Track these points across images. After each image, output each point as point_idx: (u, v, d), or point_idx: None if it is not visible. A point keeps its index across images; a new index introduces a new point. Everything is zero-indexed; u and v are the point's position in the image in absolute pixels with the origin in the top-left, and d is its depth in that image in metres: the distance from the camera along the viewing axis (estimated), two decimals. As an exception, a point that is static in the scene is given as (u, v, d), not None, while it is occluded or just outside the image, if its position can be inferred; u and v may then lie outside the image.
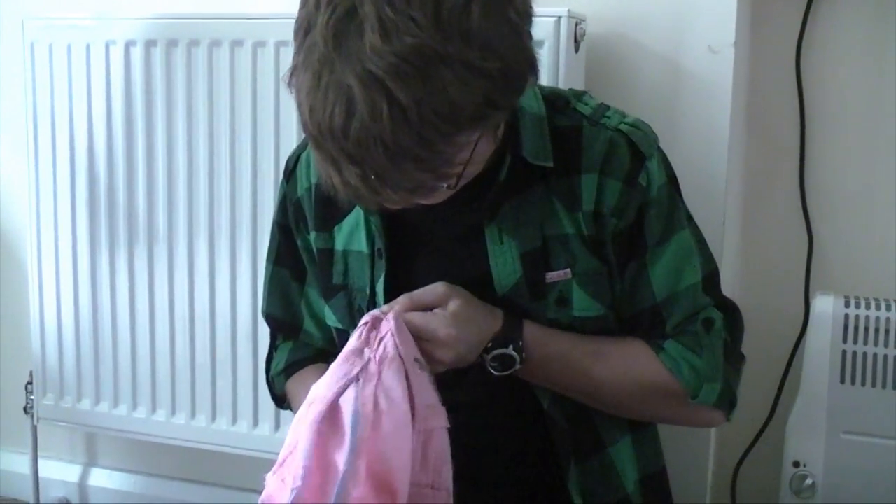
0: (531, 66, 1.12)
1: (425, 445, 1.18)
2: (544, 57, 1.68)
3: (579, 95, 1.35)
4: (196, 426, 2.09)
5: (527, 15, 1.12)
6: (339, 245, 1.38)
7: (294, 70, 1.06)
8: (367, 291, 1.34)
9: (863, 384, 1.72)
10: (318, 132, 1.03)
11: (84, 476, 2.48)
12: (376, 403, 1.14)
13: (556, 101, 1.32)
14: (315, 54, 1.02)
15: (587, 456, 1.36)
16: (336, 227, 1.38)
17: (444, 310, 1.22)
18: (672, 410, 1.36)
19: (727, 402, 1.35)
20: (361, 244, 1.35)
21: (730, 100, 1.76)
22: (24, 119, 2.14)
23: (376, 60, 0.99)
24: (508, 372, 1.26)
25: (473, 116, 1.04)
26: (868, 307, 1.73)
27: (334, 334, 1.43)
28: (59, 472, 2.48)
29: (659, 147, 1.33)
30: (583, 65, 1.76)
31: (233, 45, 1.92)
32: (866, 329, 1.72)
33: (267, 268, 1.51)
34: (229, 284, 2.01)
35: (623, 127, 1.29)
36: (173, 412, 2.11)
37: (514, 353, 1.26)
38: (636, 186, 1.27)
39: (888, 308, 1.72)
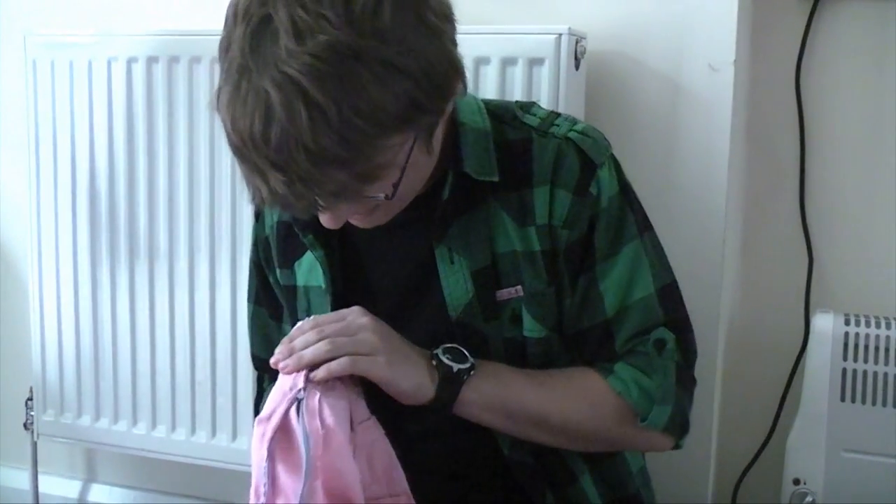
0: (457, 71, 1.11)
1: (370, 459, 1.17)
2: (545, 74, 1.69)
3: (527, 107, 1.33)
4: (196, 442, 2.09)
5: (445, 17, 1.10)
6: (300, 281, 1.37)
7: (219, 90, 1.06)
8: None
9: (863, 402, 1.72)
10: (240, 142, 1.03)
11: (84, 492, 2.47)
12: (322, 419, 1.12)
13: (504, 114, 1.30)
14: (234, 67, 1.03)
15: (562, 486, 1.34)
16: (296, 264, 1.37)
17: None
18: (622, 433, 1.31)
19: (678, 427, 1.31)
20: (319, 279, 1.34)
21: (730, 118, 1.77)
22: (25, 135, 2.14)
23: (291, 62, 0.99)
24: (464, 370, 1.21)
25: (398, 117, 1.04)
26: (868, 325, 1.73)
27: None
28: (58, 487, 2.48)
29: (611, 154, 1.30)
30: (583, 82, 1.76)
31: (234, 62, 1.92)
32: (866, 347, 1.72)
33: (248, 308, 1.51)
34: (230, 300, 2.01)
35: (572, 135, 1.27)
36: (173, 428, 2.11)
37: (463, 350, 1.22)
38: (587, 196, 1.25)
39: (888, 326, 1.72)
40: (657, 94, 1.81)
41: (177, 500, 2.37)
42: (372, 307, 1.23)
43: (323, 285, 1.33)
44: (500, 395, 1.24)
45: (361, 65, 1.00)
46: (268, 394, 1.47)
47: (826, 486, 1.75)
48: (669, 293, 1.32)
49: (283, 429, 1.13)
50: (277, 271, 1.40)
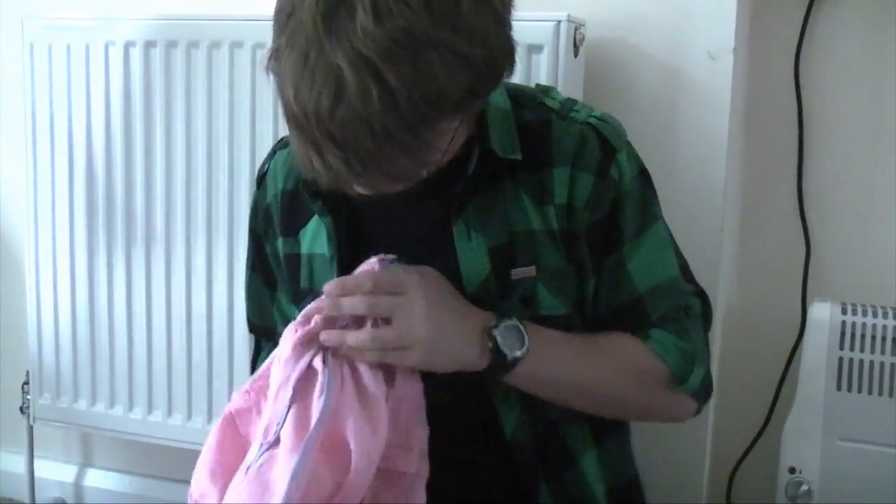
0: (511, 56, 1.13)
1: (396, 410, 1.19)
2: (543, 61, 1.68)
3: (546, 91, 1.35)
4: (192, 427, 2.09)
5: (510, 4, 1.13)
6: (304, 249, 1.38)
7: (275, 53, 1.06)
8: None
9: (859, 391, 1.72)
10: (302, 114, 1.03)
11: (80, 476, 2.48)
12: (351, 368, 1.17)
13: (521, 96, 1.32)
14: (301, 35, 1.02)
15: (558, 473, 1.35)
16: (301, 232, 1.38)
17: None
18: (659, 399, 1.33)
19: (703, 390, 1.35)
20: (323, 247, 1.34)
21: (728, 106, 1.77)
22: (22, 119, 2.14)
23: (368, 42, 0.99)
24: (518, 359, 1.22)
25: (457, 103, 1.06)
26: (865, 314, 1.73)
27: None
28: (54, 472, 2.48)
29: (627, 140, 1.32)
30: (582, 69, 1.76)
31: (232, 47, 1.92)
32: (863, 336, 1.72)
33: (246, 273, 1.53)
34: (227, 285, 2.01)
35: (592, 120, 1.29)
36: (169, 413, 2.11)
37: (522, 329, 1.22)
38: (608, 179, 1.27)
39: (885, 315, 1.72)
40: (656, 81, 1.81)
41: (172, 485, 2.37)
42: None
43: (328, 253, 1.33)
44: (550, 373, 1.26)
45: (435, 53, 1.01)
46: (265, 353, 1.50)
47: (822, 475, 1.75)
48: (688, 271, 1.38)
49: (307, 375, 1.16)
50: (279, 240, 1.41)
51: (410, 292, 1.20)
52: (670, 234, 1.36)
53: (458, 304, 1.24)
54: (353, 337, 1.18)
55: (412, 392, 1.21)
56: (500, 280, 1.27)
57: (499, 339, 1.21)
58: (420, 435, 1.21)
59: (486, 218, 1.27)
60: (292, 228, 1.39)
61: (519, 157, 1.26)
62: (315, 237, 1.36)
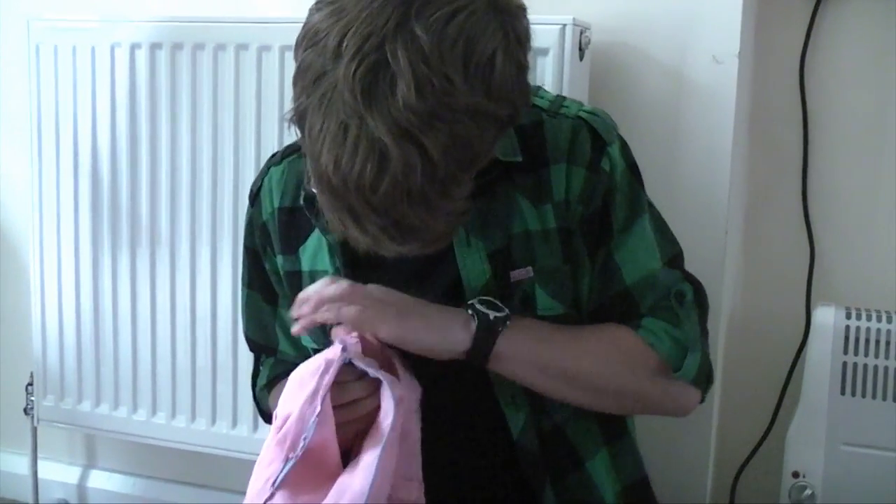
0: (528, 98, 1.16)
1: (401, 441, 1.20)
2: (549, 64, 1.69)
3: (533, 91, 1.33)
4: (196, 429, 2.09)
5: (529, 47, 1.14)
6: (305, 266, 1.37)
7: (304, 114, 1.05)
8: None
9: (863, 396, 1.72)
10: (341, 185, 1.02)
11: (83, 478, 2.48)
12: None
13: None
14: (338, 104, 1.01)
15: (563, 476, 1.35)
16: (301, 249, 1.38)
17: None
18: (654, 387, 1.32)
19: (704, 376, 1.33)
20: (325, 264, 1.34)
21: (733, 110, 1.77)
22: (28, 120, 2.14)
23: (410, 117, 0.99)
24: (501, 318, 1.23)
25: (484, 158, 1.09)
26: (869, 319, 1.73)
27: (311, 354, 1.41)
28: (58, 473, 2.48)
29: (619, 134, 1.33)
30: (587, 73, 1.76)
31: (238, 49, 1.92)
32: (867, 340, 1.72)
33: (242, 291, 1.51)
34: (231, 287, 2.01)
35: (582, 114, 1.29)
36: (173, 415, 2.11)
37: (500, 307, 1.24)
38: (599, 172, 1.27)
39: (889, 320, 1.72)
40: (661, 85, 1.81)
41: (176, 486, 2.37)
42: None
43: (330, 270, 1.33)
44: (534, 349, 1.26)
45: (472, 121, 1.03)
46: (265, 368, 1.53)
47: (825, 480, 1.75)
48: (679, 259, 1.37)
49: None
50: (279, 258, 1.40)
51: (374, 288, 1.24)
52: (660, 225, 1.36)
53: (426, 302, 1.26)
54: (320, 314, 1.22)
55: (414, 426, 1.23)
56: (500, 283, 1.28)
57: (478, 306, 1.23)
58: (417, 466, 1.23)
59: (484, 222, 1.27)
60: (292, 246, 1.39)
61: (520, 158, 1.27)
62: (316, 254, 1.36)
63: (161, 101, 2.01)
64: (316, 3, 1.09)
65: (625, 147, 1.33)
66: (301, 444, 1.15)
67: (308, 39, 1.06)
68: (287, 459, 1.16)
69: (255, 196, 1.44)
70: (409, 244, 1.08)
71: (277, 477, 1.16)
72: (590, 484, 1.36)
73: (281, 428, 1.18)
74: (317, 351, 1.36)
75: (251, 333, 1.53)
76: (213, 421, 2.07)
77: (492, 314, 1.22)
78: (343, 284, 1.23)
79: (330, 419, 1.15)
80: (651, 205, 1.36)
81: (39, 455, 2.39)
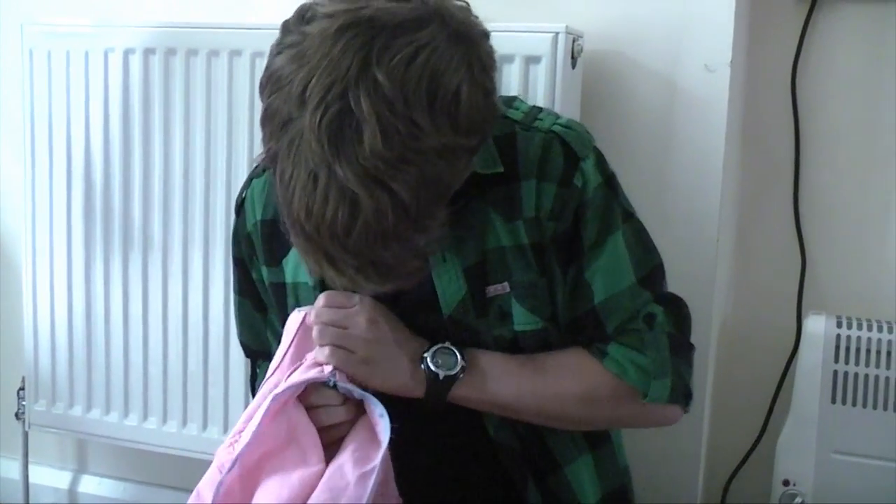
0: (496, 117, 1.16)
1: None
2: (541, 73, 1.69)
3: (509, 101, 1.34)
4: (187, 434, 2.09)
5: (494, 69, 1.14)
6: (288, 278, 1.38)
7: (274, 158, 1.06)
8: None
9: (854, 404, 1.73)
10: (314, 231, 1.03)
11: (74, 483, 2.47)
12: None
13: None
14: (305, 153, 1.02)
15: (544, 475, 1.35)
16: (284, 261, 1.38)
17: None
18: (626, 412, 1.33)
19: (681, 396, 1.32)
20: (306, 276, 1.34)
21: (725, 118, 1.77)
22: (21, 125, 2.13)
23: (378, 164, 1.00)
24: (451, 377, 1.24)
25: (456, 186, 1.09)
26: (860, 328, 1.74)
27: None
28: (49, 478, 2.48)
29: (595, 147, 1.31)
30: (579, 81, 1.76)
31: (231, 55, 1.92)
32: (858, 349, 1.73)
33: (235, 299, 1.52)
34: (223, 293, 2.00)
35: (556, 128, 1.28)
36: (165, 420, 2.11)
37: (455, 351, 1.25)
38: (571, 188, 1.26)
39: (880, 329, 1.73)
40: (653, 94, 1.81)
41: (167, 492, 2.37)
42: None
43: (311, 282, 1.33)
44: (493, 393, 1.27)
45: (439, 158, 1.03)
46: (262, 371, 1.50)
47: (815, 488, 1.75)
48: (656, 275, 1.34)
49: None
50: (263, 269, 1.41)
51: (363, 302, 1.25)
52: (641, 237, 1.33)
53: (399, 327, 1.27)
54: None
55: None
56: (476, 299, 1.28)
57: (429, 361, 1.24)
58: (390, 471, 1.23)
59: (458, 238, 1.26)
60: (275, 258, 1.39)
61: (501, 169, 1.26)
62: (298, 266, 1.36)
63: (154, 107, 2.01)
64: (277, 45, 1.09)
65: (601, 160, 1.31)
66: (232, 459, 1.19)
67: (272, 84, 1.06)
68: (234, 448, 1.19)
69: (239, 207, 1.44)
70: (387, 283, 1.10)
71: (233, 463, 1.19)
72: (568, 489, 1.36)
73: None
74: None
75: (245, 339, 1.53)
76: (205, 426, 2.07)
77: (442, 373, 1.24)
78: (325, 316, 1.25)
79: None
80: (631, 215, 1.33)
81: (30, 460, 2.39)
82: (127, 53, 2.01)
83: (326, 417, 1.21)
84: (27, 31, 2.10)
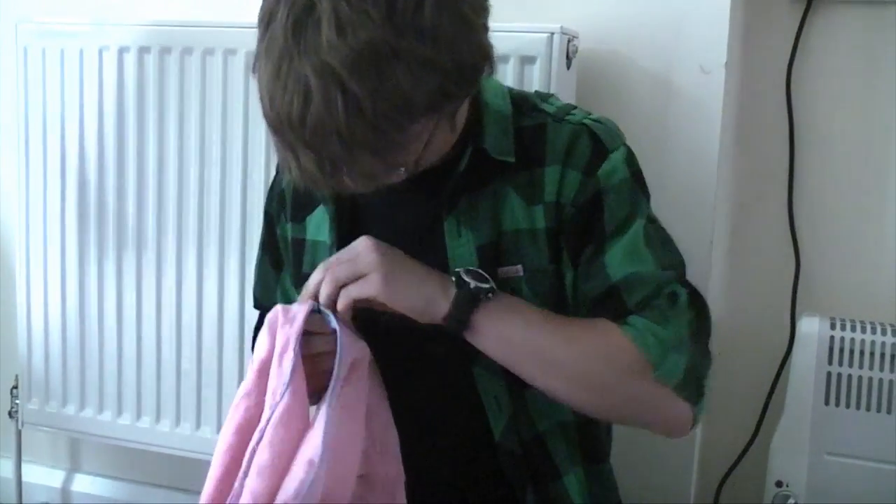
0: (486, 59, 1.16)
1: (369, 412, 1.23)
2: (536, 72, 1.69)
3: (545, 97, 1.37)
4: (181, 433, 2.09)
5: (482, 9, 1.15)
6: (309, 235, 1.42)
7: (257, 58, 1.11)
8: None
9: (847, 406, 1.73)
10: (276, 120, 1.08)
11: (67, 481, 2.47)
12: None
13: (523, 103, 1.34)
14: (275, 46, 1.07)
15: (544, 482, 1.35)
16: (308, 218, 1.42)
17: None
18: (635, 388, 1.25)
19: (693, 386, 1.26)
20: (325, 235, 1.38)
21: (720, 120, 1.77)
22: (15, 123, 2.13)
23: (332, 53, 1.03)
24: (482, 290, 1.23)
25: (427, 107, 1.09)
26: (854, 329, 1.74)
27: None
28: (42, 476, 2.47)
29: (626, 144, 1.32)
30: (574, 81, 1.76)
31: (226, 54, 1.92)
32: (851, 351, 1.73)
33: (258, 252, 1.56)
34: (217, 292, 2.01)
35: (587, 121, 1.30)
36: (158, 419, 2.10)
37: (486, 275, 1.25)
38: (594, 177, 1.27)
39: (874, 331, 1.73)
40: (648, 94, 1.81)
41: (161, 491, 2.37)
42: None
43: (328, 241, 1.37)
44: (514, 327, 1.25)
45: (398, 61, 1.05)
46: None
47: (808, 489, 1.75)
48: (678, 264, 1.32)
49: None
50: (288, 225, 1.45)
51: (358, 242, 1.26)
52: (663, 238, 1.33)
53: (414, 261, 1.27)
54: (311, 282, 1.25)
55: (379, 400, 1.26)
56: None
57: (463, 275, 1.24)
58: (392, 439, 1.25)
59: (476, 216, 1.29)
60: (301, 214, 1.43)
61: (512, 159, 1.28)
62: (319, 225, 1.40)
63: (149, 105, 2.01)
64: None
65: (630, 156, 1.32)
66: (282, 391, 1.17)
67: None
68: (271, 408, 1.18)
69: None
70: (342, 179, 1.11)
71: (265, 427, 1.18)
72: (567, 497, 1.35)
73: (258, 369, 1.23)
74: None
75: (257, 292, 1.56)
76: (198, 425, 2.07)
77: (474, 283, 1.23)
78: (345, 251, 1.26)
79: (301, 368, 1.18)
80: (654, 220, 1.33)
81: (24, 458, 2.39)
82: (122, 52, 2.01)
83: (308, 347, 1.22)
84: (21, 30, 2.10)
